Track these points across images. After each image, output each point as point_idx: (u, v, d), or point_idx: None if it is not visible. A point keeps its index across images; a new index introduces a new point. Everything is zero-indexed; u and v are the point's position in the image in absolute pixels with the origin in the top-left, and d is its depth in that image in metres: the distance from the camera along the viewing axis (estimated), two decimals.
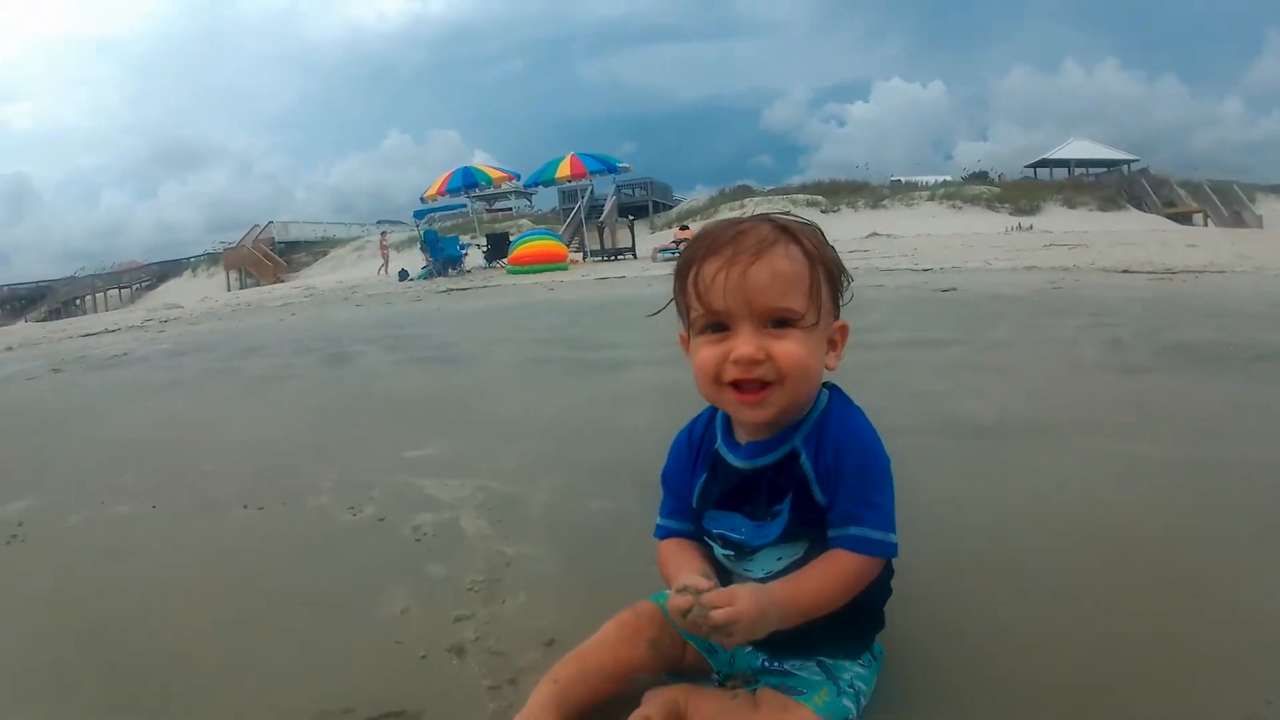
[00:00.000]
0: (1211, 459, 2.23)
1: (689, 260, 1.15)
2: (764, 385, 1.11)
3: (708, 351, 1.13)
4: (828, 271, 1.15)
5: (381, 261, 29.02)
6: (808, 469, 1.14)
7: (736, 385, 1.12)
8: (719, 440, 1.24)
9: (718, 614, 0.98)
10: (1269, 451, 2.26)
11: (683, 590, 1.02)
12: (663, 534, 1.30)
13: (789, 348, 1.09)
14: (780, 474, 1.16)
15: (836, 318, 1.19)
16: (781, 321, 1.10)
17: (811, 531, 1.14)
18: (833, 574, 1.10)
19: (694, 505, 1.26)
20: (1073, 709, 1.17)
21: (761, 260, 1.09)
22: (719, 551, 1.23)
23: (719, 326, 1.12)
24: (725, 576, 1.22)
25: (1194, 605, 1.43)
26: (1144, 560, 1.62)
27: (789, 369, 1.10)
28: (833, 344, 1.18)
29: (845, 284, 1.21)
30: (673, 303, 1.21)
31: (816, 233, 1.18)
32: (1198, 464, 2.20)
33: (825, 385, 1.21)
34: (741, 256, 1.09)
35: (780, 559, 1.17)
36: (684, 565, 1.19)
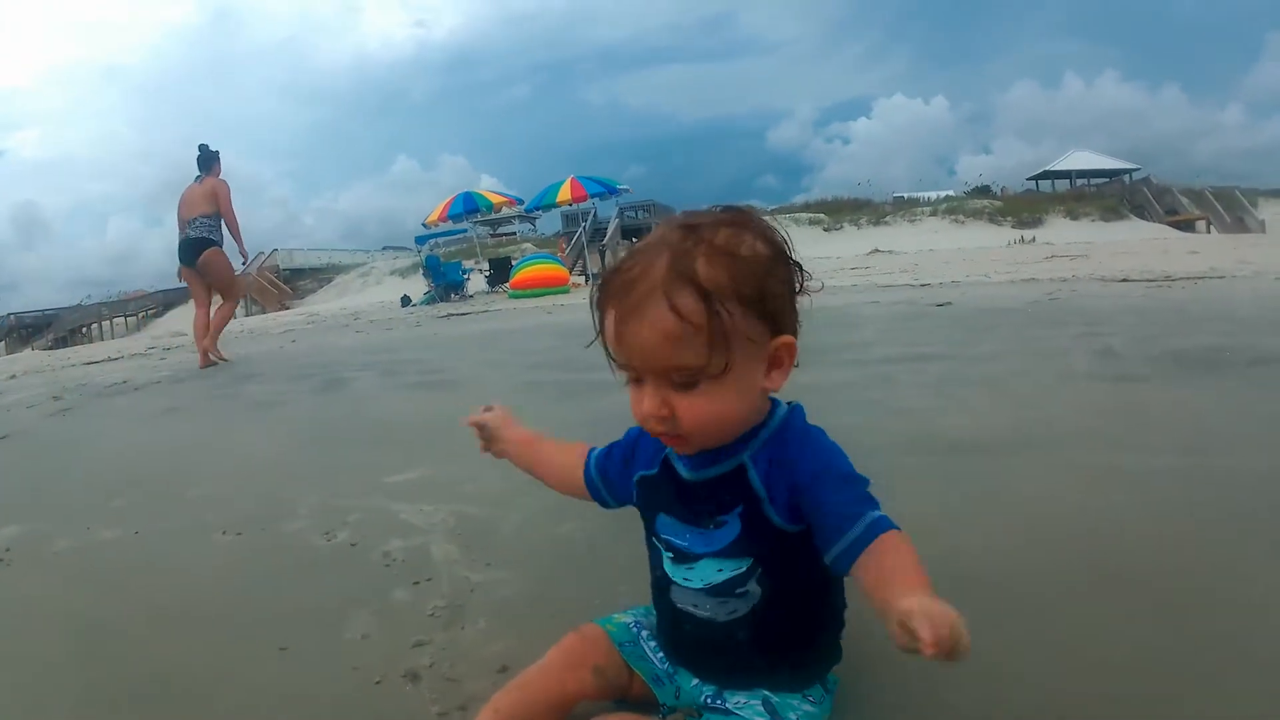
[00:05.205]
0: (1203, 467, 2.19)
1: (596, 303, 1.08)
2: (677, 434, 1.07)
3: (631, 396, 1.09)
4: (746, 301, 1.02)
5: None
6: (758, 487, 1.09)
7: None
8: (667, 447, 1.19)
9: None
10: (1263, 458, 2.22)
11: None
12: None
13: (692, 404, 1.03)
14: (725, 488, 1.11)
15: (778, 334, 1.06)
16: (684, 375, 1.03)
17: (761, 550, 1.09)
18: (912, 553, 0.99)
19: (634, 490, 1.25)
20: None
21: (648, 317, 1.00)
22: (662, 553, 1.19)
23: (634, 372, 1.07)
24: (665, 583, 1.19)
25: (1183, 621, 1.39)
26: (1130, 575, 1.58)
27: (691, 427, 1.05)
28: (777, 362, 1.07)
29: (795, 290, 1.10)
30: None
31: (737, 245, 1.04)
32: (1188, 473, 2.16)
33: (788, 403, 1.16)
34: (630, 314, 1.02)
35: (721, 570, 1.11)
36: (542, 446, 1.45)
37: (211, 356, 7.65)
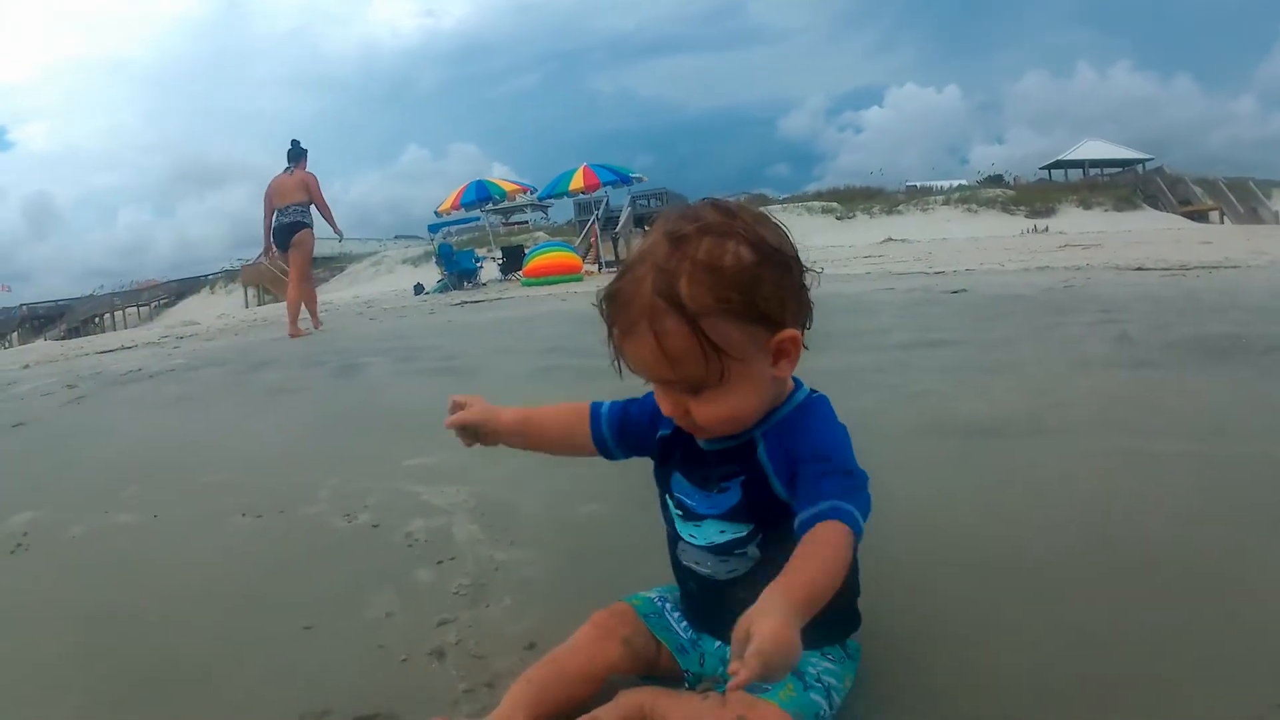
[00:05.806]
0: (1218, 454, 2.18)
1: (602, 317, 1.13)
2: (697, 428, 1.14)
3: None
4: (733, 313, 1.04)
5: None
6: (764, 461, 1.13)
7: None
8: None
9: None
10: (1276, 445, 2.20)
11: None
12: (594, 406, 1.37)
13: (703, 406, 1.10)
14: (733, 458, 1.16)
15: (780, 329, 1.08)
16: (685, 386, 1.09)
17: (762, 517, 1.14)
18: (834, 548, 1.00)
19: (656, 447, 1.28)
20: (1062, 713, 1.14)
21: (641, 341, 1.06)
22: (673, 509, 1.24)
23: None
24: (674, 539, 1.25)
25: (1196, 604, 1.39)
26: (1143, 558, 1.57)
27: (706, 424, 1.12)
28: (783, 353, 1.09)
29: (796, 282, 1.11)
30: None
31: (720, 256, 1.04)
32: (1204, 459, 2.15)
33: (813, 391, 1.20)
34: (626, 335, 1.08)
35: (723, 532, 1.17)
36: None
37: (315, 327, 9.39)
